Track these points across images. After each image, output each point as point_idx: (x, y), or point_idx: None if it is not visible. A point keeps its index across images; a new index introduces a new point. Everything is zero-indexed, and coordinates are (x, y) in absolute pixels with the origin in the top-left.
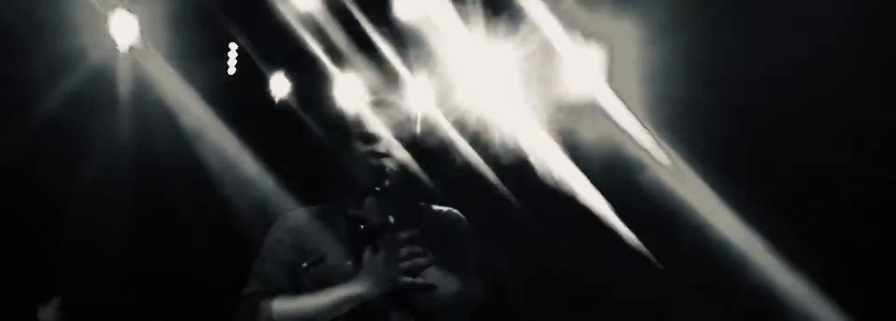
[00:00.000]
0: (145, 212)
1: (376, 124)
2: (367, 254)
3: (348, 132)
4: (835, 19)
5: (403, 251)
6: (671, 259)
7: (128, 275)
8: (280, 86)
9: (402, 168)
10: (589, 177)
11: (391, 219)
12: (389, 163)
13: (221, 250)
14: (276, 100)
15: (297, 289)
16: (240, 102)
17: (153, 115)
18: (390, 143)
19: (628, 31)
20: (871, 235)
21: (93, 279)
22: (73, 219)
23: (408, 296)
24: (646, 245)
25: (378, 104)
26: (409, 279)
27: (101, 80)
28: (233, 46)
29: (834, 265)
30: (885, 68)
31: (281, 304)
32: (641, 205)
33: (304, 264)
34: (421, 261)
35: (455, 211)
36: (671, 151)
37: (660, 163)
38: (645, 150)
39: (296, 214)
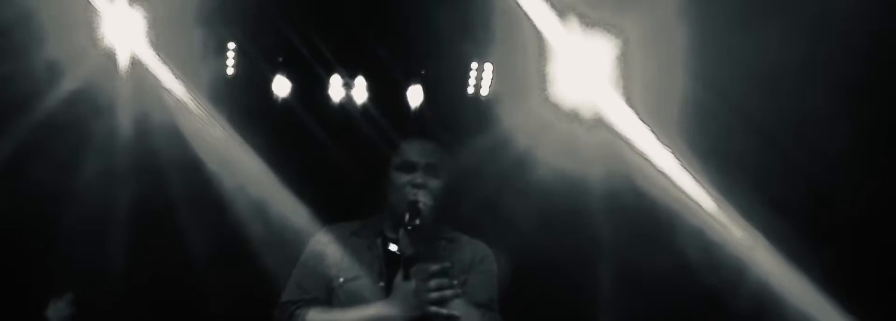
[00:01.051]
0: (144, 211)
1: (416, 154)
2: (398, 279)
3: (390, 160)
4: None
5: (433, 283)
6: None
7: (128, 275)
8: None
9: (437, 199)
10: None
11: (422, 249)
12: (423, 197)
13: (220, 251)
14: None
15: (329, 301)
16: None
17: (153, 114)
18: (427, 174)
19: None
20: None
21: (96, 278)
22: (73, 219)
23: None
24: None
25: (420, 136)
26: (435, 309)
27: (100, 80)
28: (231, 45)
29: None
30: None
31: (315, 315)
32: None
33: (342, 279)
34: (448, 293)
35: (483, 245)
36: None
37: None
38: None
39: (337, 229)
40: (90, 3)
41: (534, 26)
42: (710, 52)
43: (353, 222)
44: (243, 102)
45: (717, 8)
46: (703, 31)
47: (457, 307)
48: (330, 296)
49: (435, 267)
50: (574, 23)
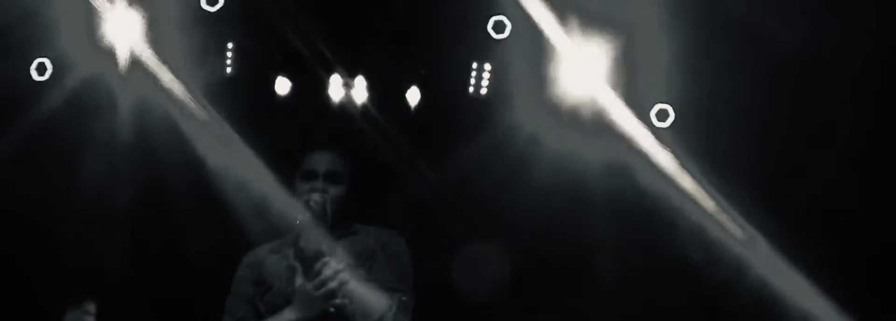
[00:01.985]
0: (144, 212)
1: (317, 163)
2: (298, 282)
3: (295, 171)
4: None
5: (317, 280)
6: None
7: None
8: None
9: (336, 201)
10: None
11: (323, 247)
12: (316, 197)
13: (223, 251)
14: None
15: (260, 318)
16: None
17: (152, 115)
18: (327, 181)
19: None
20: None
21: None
22: (72, 218)
23: (343, 316)
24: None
25: (321, 147)
26: (334, 301)
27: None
28: (231, 45)
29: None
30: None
31: None
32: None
33: (262, 295)
34: (332, 285)
35: (388, 230)
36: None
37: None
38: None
39: (257, 251)
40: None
41: (534, 25)
42: (711, 51)
43: (273, 242)
44: (243, 102)
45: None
46: (701, 30)
47: (359, 295)
48: (258, 314)
49: (323, 261)
50: (574, 23)
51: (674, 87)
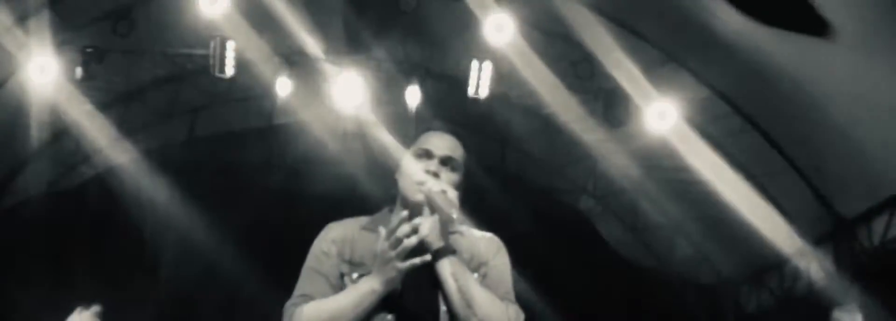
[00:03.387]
0: None
1: (435, 145)
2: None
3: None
4: None
5: (392, 238)
6: None
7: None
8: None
9: (458, 191)
10: None
11: (448, 243)
12: (443, 185)
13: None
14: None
15: None
16: None
17: None
18: (443, 166)
19: None
20: None
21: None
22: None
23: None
24: None
25: (443, 130)
26: (409, 262)
27: None
28: (230, 46)
29: None
30: None
31: (310, 308)
32: None
33: (355, 275)
34: (410, 241)
35: (495, 237)
36: None
37: None
38: None
39: (344, 225)
40: None
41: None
42: None
43: (359, 218)
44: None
45: None
46: None
47: (480, 299)
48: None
49: (404, 228)
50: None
51: None
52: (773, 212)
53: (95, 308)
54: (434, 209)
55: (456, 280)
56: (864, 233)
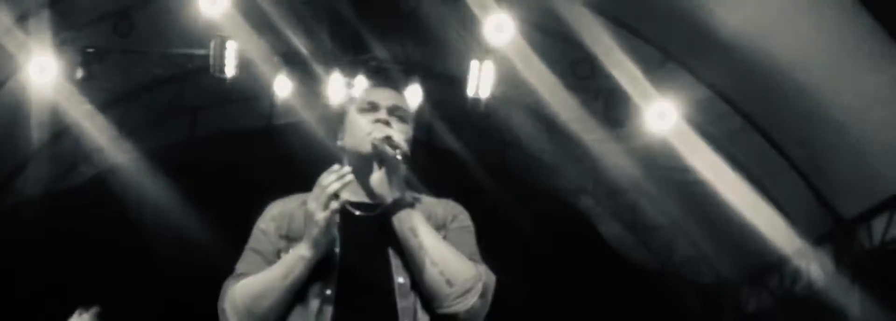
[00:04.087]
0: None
1: (381, 97)
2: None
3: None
4: None
5: (324, 180)
6: None
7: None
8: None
9: (407, 144)
10: None
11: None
12: (395, 134)
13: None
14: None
15: None
16: None
17: None
18: (392, 115)
19: None
20: None
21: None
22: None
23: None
24: None
25: (384, 84)
26: (329, 210)
27: None
28: (230, 46)
29: None
30: None
31: (240, 286)
32: None
33: (291, 251)
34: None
35: (453, 202)
36: None
37: None
38: None
39: (284, 201)
40: None
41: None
42: None
43: (301, 194)
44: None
45: None
46: None
47: (442, 255)
48: None
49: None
50: None
51: None
52: (773, 212)
53: (95, 309)
54: (383, 160)
55: (416, 235)
56: (864, 233)
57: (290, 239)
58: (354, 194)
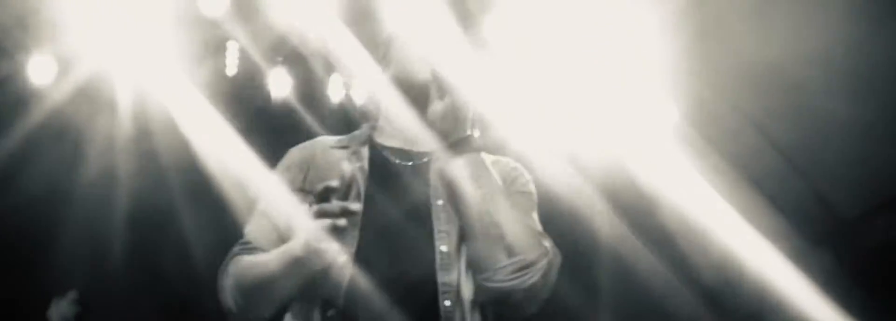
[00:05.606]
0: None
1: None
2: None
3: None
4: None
5: (316, 207)
6: None
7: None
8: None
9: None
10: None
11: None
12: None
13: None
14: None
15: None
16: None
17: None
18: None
19: None
20: None
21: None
22: (75, 219)
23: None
24: None
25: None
26: (321, 246)
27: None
28: (230, 46)
29: None
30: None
31: (242, 266)
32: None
33: (307, 205)
34: (340, 222)
35: (509, 159)
36: None
37: None
38: None
39: (305, 147)
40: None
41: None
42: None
43: (341, 137)
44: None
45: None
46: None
47: (506, 221)
48: None
49: (320, 187)
50: None
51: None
52: (772, 212)
53: (72, 294)
54: (445, 89)
55: (480, 187)
56: (864, 234)
57: (307, 192)
58: (393, 139)
